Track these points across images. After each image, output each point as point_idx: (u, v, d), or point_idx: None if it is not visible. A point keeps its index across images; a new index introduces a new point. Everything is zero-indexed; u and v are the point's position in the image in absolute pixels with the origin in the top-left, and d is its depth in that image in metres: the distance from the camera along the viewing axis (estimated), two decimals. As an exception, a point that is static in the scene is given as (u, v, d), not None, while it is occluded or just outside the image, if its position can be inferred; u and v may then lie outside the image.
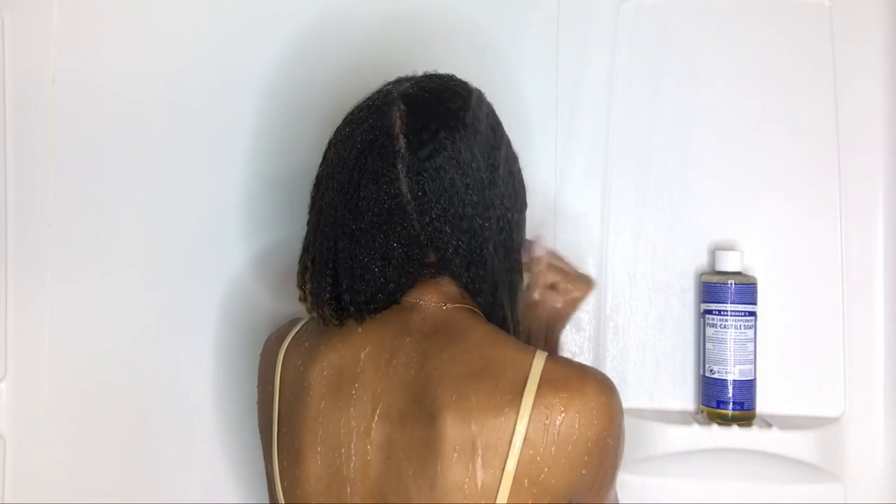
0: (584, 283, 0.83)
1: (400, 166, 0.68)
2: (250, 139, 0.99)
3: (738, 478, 0.91)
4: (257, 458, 0.76)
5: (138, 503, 0.97)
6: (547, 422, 0.60)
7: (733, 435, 0.89)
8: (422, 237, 0.68)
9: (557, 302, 0.82)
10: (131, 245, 0.99)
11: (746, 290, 0.91)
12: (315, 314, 0.72)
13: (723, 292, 0.91)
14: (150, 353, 0.99)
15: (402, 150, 0.68)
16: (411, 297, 0.70)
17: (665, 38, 0.97)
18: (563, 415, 0.60)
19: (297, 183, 0.98)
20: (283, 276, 0.98)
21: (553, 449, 0.60)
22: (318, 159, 0.75)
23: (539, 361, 0.62)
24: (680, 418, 0.93)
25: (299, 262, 0.74)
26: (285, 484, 0.70)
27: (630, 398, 0.86)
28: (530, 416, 0.60)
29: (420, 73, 0.75)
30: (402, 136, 0.68)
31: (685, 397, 0.96)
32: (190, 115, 1.00)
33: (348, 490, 0.66)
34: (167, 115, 1.00)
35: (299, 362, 0.71)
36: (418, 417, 0.63)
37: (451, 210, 0.68)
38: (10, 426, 0.97)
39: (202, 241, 0.99)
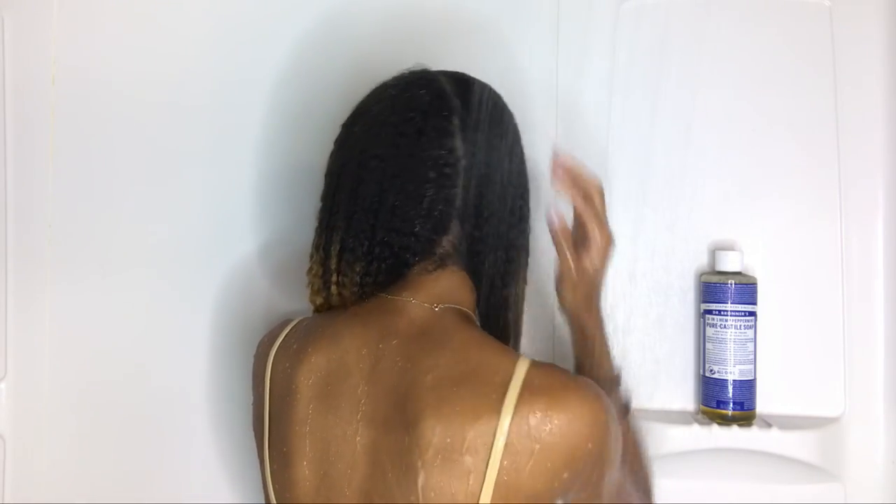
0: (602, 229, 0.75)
1: (456, 122, 0.69)
2: (251, 139, 0.99)
3: (738, 478, 0.91)
4: (256, 459, 0.76)
5: (138, 503, 0.97)
6: (528, 428, 0.58)
7: (733, 435, 0.89)
8: (463, 207, 0.69)
9: (592, 258, 0.74)
10: (131, 245, 0.99)
11: (746, 290, 0.91)
12: (335, 286, 0.70)
13: (723, 292, 0.91)
14: (149, 353, 0.99)
15: (459, 108, 0.70)
16: (403, 295, 0.69)
17: (665, 38, 0.97)
18: (544, 422, 0.58)
19: (299, 183, 0.98)
20: (282, 278, 0.98)
21: (535, 456, 0.58)
22: (318, 160, 0.75)
23: (522, 367, 0.61)
24: (680, 418, 0.93)
25: (319, 221, 0.73)
26: (276, 487, 0.70)
27: (630, 398, 0.86)
28: (511, 421, 0.58)
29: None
30: (455, 96, 0.71)
31: (685, 397, 0.96)
32: (190, 115, 0.99)
33: (336, 494, 0.65)
34: (167, 114, 1.00)
35: (287, 365, 0.70)
36: (401, 422, 0.62)
37: (492, 187, 0.70)
38: (10, 426, 0.97)
39: (202, 241, 0.99)
